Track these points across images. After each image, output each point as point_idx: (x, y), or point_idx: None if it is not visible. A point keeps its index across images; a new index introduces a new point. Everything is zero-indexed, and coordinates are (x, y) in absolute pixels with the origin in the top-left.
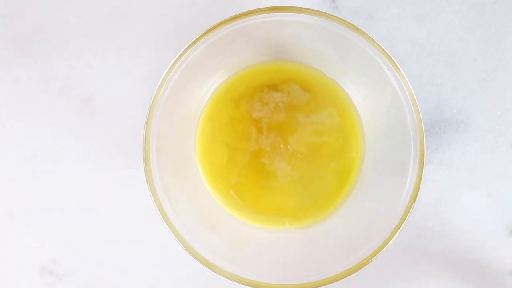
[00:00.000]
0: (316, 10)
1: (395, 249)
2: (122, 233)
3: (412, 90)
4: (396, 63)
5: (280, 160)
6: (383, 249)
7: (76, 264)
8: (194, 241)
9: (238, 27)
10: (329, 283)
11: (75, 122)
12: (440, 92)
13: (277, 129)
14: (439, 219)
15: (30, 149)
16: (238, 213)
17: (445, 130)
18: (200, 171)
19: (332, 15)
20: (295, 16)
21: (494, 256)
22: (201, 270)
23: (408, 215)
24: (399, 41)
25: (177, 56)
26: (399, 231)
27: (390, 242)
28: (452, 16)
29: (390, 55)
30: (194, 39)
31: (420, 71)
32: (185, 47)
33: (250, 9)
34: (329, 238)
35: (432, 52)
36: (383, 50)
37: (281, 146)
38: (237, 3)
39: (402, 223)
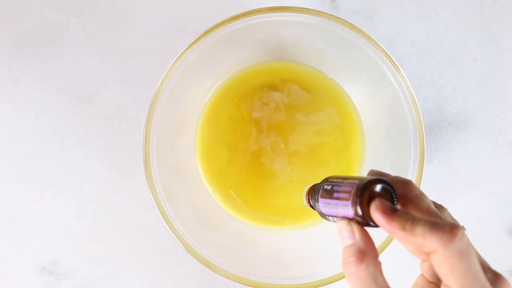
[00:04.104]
0: (316, 10)
1: (395, 249)
2: (122, 233)
3: (412, 90)
4: (396, 63)
5: (280, 160)
6: (384, 249)
7: (76, 264)
8: (194, 241)
9: (238, 27)
10: (329, 283)
11: (75, 122)
12: (440, 92)
13: (277, 129)
14: None
15: (30, 149)
16: (238, 213)
17: (445, 130)
18: (200, 171)
19: (332, 15)
20: (295, 16)
21: (494, 256)
22: (201, 270)
23: None
24: (399, 41)
25: (177, 56)
26: None
27: (390, 243)
28: (452, 16)
29: (390, 55)
30: (194, 39)
31: (420, 71)
32: (185, 47)
33: (250, 9)
34: (329, 238)
35: (432, 52)
36: (383, 50)
37: (281, 146)
38: (237, 3)
39: None
